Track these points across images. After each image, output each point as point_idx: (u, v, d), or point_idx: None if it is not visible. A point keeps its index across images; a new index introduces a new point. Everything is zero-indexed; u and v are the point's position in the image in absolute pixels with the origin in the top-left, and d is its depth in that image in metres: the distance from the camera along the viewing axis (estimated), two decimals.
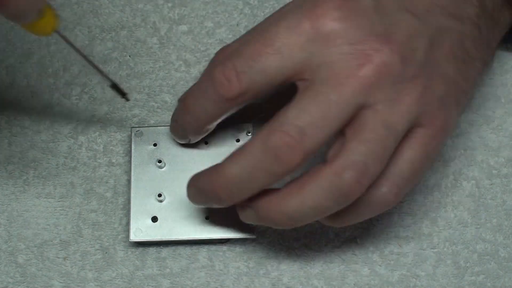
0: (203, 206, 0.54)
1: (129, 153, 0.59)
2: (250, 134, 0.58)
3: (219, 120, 0.54)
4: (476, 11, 0.53)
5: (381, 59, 0.49)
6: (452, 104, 0.53)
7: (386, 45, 0.49)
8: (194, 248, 0.58)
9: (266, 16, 0.62)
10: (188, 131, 0.55)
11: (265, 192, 0.51)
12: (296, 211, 0.49)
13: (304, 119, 0.48)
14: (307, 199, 0.49)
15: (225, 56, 0.52)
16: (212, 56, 0.61)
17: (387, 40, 0.49)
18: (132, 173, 0.57)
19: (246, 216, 0.53)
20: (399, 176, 0.51)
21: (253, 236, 0.56)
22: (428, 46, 0.51)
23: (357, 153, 0.48)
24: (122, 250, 0.58)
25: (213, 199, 0.52)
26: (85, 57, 0.53)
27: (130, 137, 0.59)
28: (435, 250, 0.58)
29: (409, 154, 0.51)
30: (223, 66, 0.50)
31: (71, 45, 0.52)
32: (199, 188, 0.52)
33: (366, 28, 0.49)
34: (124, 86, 0.60)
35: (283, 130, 0.48)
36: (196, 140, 0.56)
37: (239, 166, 0.49)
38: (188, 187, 0.54)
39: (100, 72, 0.54)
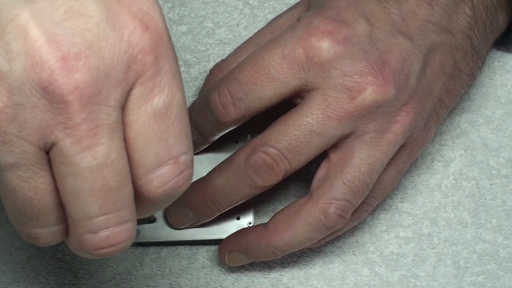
0: (184, 226, 0.56)
1: None
2: (249, 135, 0.58)
3: (221, 135, 0.55)
4: (468, 21, 0.54)
5: (373, 94, 0.50)
6: (434, 120, 0.54)
7: (380, 77, 0.50)
8: (194, 248, 0.58)
9: (266, 16, 0.62)
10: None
11: (252, 231, 0.54)
12: (286, 245, 0.53)
13: (284, 144, 0.50)
14: (297, 234, 0.52)
15: (220, 77, 0.53)
16: (212, 56, 0.61)
17: (381, 71, 0.50)
18: None
19: (236, 260, 0.55)
20: (374, 198, 0.54)
21: None
22: (421, 68, 0.51)
23: (341, 193, 0.51)
24: None
25: (199, 211, 0.54)
26: None
27: None
28: (435, 250, 0.58)
29: (388, 177, 0.53)
30: (219, 92, 0.52)
31: None
32: (184, 203, 0.54)
33: (360, 58, 0.50)
34: None
35: (264, 151, 0.51)
36: (197, 151, 0.57)
37: (224, 178, 0.52)
38: (169, 209, 0.55)
39: None
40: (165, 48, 0.38)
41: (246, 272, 0.57)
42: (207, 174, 0.53)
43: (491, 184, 0.59)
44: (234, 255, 0.55)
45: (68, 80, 0.35)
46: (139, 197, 0.39)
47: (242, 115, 0.51)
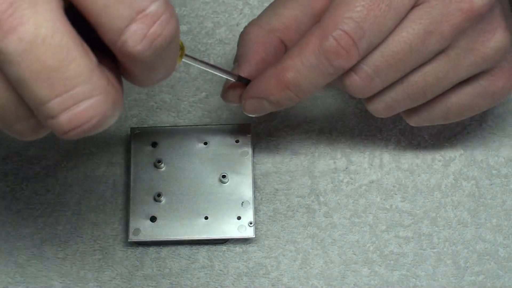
0: (258, 115, 0.54)
1: (128, 153, 0.59)
2: (249, 134, 0.58)
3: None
4: None
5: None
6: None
7: None
8: (194, 248, 0.58)
9: None
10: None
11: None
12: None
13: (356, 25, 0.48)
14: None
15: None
16: (212, 56, 0.61)
17: None
18: (132, 173, 0.57)
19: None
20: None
21: (253, 236, 0.56)
22: None
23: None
24: (122, 250, 0.58)
25: (271, 104, 0.51)
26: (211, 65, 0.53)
27: (129, 137, 0.59)
28: (435, 250, 0.58)
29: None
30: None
31: (199, 61, 0.52)
32: (257, 96, 0.52)
33: None
34: (123, 86, 0.60)
35: (336, 35, 0.47)
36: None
37: (295, 71, 0.49)
38: (245, 99, 0.52)
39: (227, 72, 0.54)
40: None
41: (246, 272, 0.57)
42: (282, 59, 0.50)
43: (491, 184, 0.59)
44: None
45: None
46: (125, 59, 0.37)
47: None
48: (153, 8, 0.35)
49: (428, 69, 0.50)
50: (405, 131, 0.60)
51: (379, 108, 0.52)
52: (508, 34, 0.50)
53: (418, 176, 0.59)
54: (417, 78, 0.50)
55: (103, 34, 0.36)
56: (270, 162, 0.59)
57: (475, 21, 0.48)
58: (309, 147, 0.59)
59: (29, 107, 0.36)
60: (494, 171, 0.59)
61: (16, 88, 0.35)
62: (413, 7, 0.48)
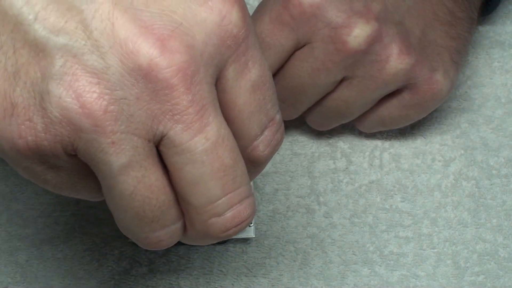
0: None
1: None
2: None
3: None
4: None
5: (358, 40, 0.51)
6: (449, 66, 0.54)
7: (365, 25, 0.50)
8: (194, 248, 0.58)
9: None
10: None
11: None
12: None
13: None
14: None
15: None
16: None
17: (366, 18, 0.50)
18: None
19: None
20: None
21: (252, 236, 0.56)
22: (411, 17, 0.52)
23: None
24: (121, 250, 0.58)
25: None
26: None
27: None
28: (435, 250, 0.58)
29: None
30: None
31: None
32: None
33: (345, 8, 0.51)
34: None
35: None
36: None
37: None
38: None
39: None
40: (250, 19, 0.38)
41: (246, 272, 0.57)
42: None
43: (491, 184, 0.59)
44: None
45: (170, 63, 0.34)
46: (248, 164, 0.39)
47: None
48: (278, 117, 0.39)
49: (336, 95, 0.53)
50: (405, 131, 0.60)
51: (314, 124, 0.57)
52: (405, 58, 0.52)
53: (418, 176, 0.59)
54: (329, 103, 0.54)
55: (239, 140, 0.38)
56: (270, 162, 0.59)
57: (359, 56, 0.51)
58: (309, 147, 0.59)
59: (180, 210, 0.38)
60: (494, 171, 0.59)
61: (184, 188, 0.37)
62: (298, 48, 0.52)
